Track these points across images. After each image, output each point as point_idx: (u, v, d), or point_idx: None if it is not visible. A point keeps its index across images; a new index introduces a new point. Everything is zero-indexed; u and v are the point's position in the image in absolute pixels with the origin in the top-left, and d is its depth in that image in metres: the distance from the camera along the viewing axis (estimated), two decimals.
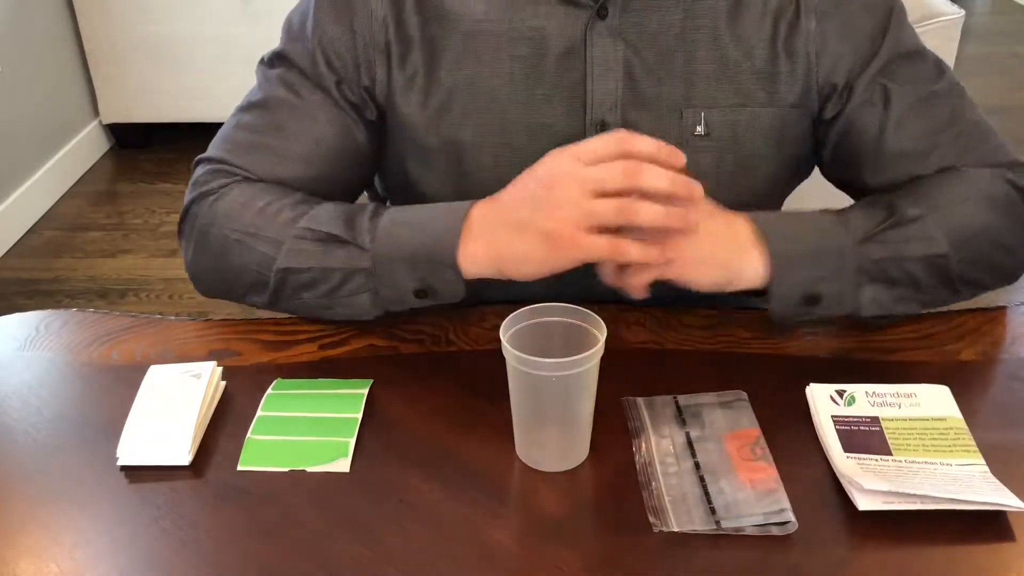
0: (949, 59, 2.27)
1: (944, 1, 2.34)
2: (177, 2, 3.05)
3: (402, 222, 0.89)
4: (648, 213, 0.80)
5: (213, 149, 1.00)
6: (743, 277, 0.87)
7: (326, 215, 0.91)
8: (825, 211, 0.92)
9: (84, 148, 3.21)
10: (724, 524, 0.72)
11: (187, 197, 0.98)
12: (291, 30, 1.00)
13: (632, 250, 0.81)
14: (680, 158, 0.83)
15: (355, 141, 1.00)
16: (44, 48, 3.01)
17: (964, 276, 0.92)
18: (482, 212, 0.87)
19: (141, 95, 3.21)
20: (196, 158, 1.01)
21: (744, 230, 0.88)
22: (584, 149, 0.83)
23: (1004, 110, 3.54)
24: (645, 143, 0.82)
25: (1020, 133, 3.34)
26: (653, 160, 0.82)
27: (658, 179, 0.80)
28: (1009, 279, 0.97)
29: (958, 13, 2.29)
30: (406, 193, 1.04)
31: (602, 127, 0.96)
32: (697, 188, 0.82)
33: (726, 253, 0.86)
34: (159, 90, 3.19)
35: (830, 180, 1.08)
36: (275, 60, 1.01)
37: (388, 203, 1.19)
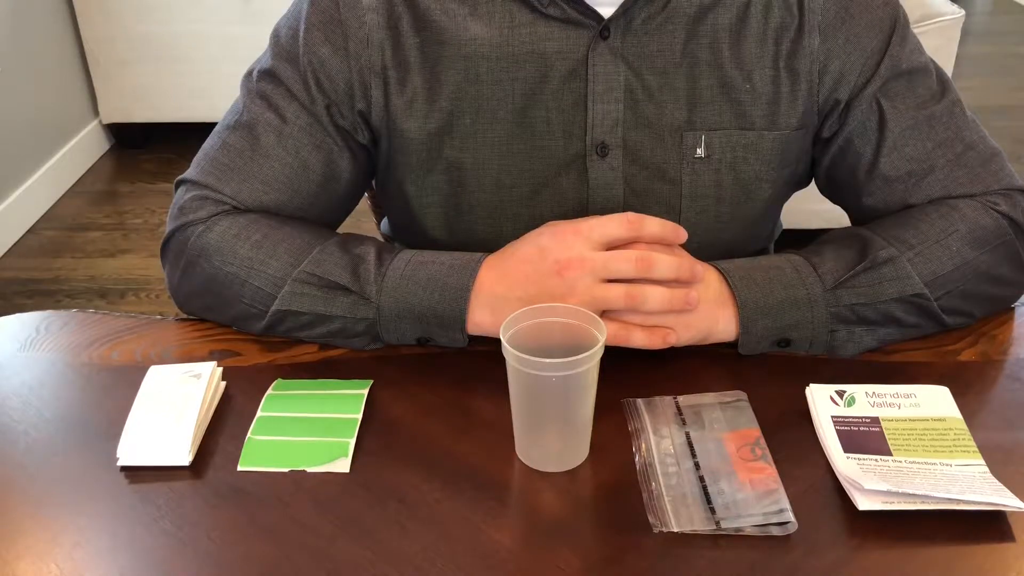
0: (949, 59, 2.28)
1: (944, 1, 2.34)
2: (177, 2, 3.05)
3: (410, 277, 0.89)
4: (655, 300, 0.84)
5: (198, 171, 0.99)
6: (716, 332, 0.89)
7: (331, 261, 0.91)
8: (797, 254, 0.93)
9: (84, 148, 3.21)
10: (724, 524, 0.72)
11: (171, 223, 0.98)
12: (279, 44, 0.98)
13: (637, 338, 0.85)
14: (683, 235, 0.87)
15: (340, 168, 0.99)
16: (44, 48, 3.01)
17: (951, 309, 0.92)
18: (491, 280, 0.88)
19: (141, 95, 3.21)
20: (178, 179, 1.00)
21: (716, 286, 0.89)
22: (595, 232, 0.86)
23: (1004, 110, 3.54)
24: (653, 226, 0.86)
25: (1020, 133, 3.35)
26: (660, 240, 0.86)
27: (667, 270, 0.84)
28: (1004, 307, 0.98)
29: (958, 13, 2.30)
30: (405, 210, 1.04)
31: (602, 148, 0.96)
32: (697, 270, 0.87)
33: (702, 311, 0.88)
34: (159, 90, 3.19)
35: (824, 195, 1.08)
36: (263, 77, 0.98)
37: (386, 216, 1.19)
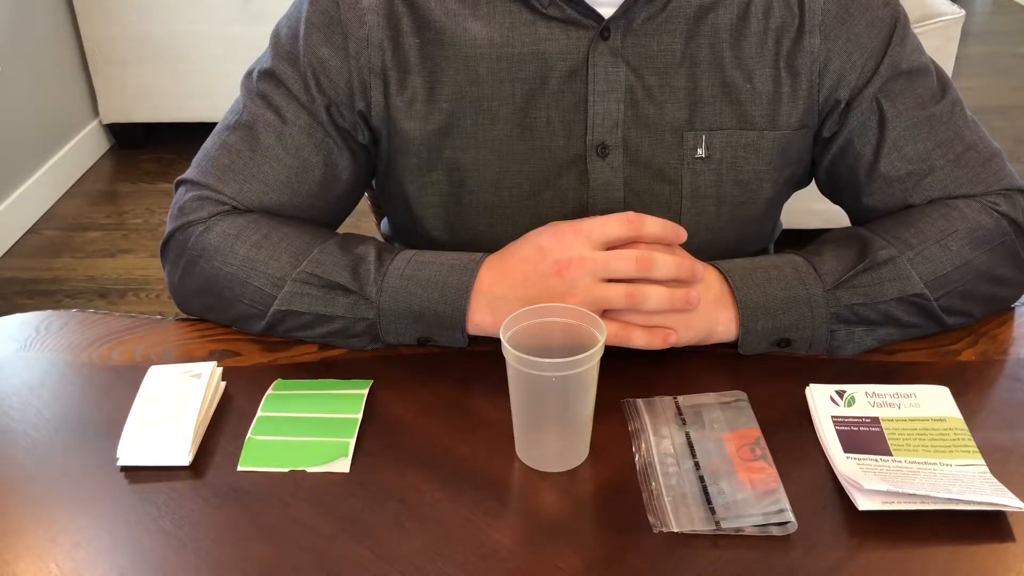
0: (949, 59, 2.28)
1: (944, 1, 2.34)
2: (177, 2, 3.05)
3: (410, 277, 0.89)
4: (655, 300, 0.84)
5: (198, 172, 0.99)
6: (717, 332, 0.89)
7: (331, 261, 0.91)
8: (797, 254, 0.93)
9: (84, 148, 3.21)
10: (724, 524, 0.72)
11: (171, 223, 0.98)
12: (279, 45, 0.98)
13: (637, 338, 0.85)
14: (683, 234, 0.87)
15: (340, 168, 0.99)
16: (44, 48, 3.01)
17: (951, 309, 0.92)
18: (491, 279, 0.88)
19: (141, 95, 3.21)
20: (178, 179, 1.00)
21: (716, 286, 0.89)
22: (595, 232, 0.86)
23: (1004, 110, 3.54)
24: (653, 226, 0.86)
25: (1020, 133, 3.35)
26: (660, 240, 0.86)
27: (667, 269, 0.84)
28: (1004, 307, 0.98)
29: (958, 13, 2.30)
30: (405, 210, 1.04)
31: (603, 149, 0.96)
32: (698, 271, 0.86)
33: (702, 311, 0.88)
34: (159, 90, 3.19)
35: (824, 195, 1.08)
36: (263, 77, 0.98)
37: (386, 217, 1.19)
